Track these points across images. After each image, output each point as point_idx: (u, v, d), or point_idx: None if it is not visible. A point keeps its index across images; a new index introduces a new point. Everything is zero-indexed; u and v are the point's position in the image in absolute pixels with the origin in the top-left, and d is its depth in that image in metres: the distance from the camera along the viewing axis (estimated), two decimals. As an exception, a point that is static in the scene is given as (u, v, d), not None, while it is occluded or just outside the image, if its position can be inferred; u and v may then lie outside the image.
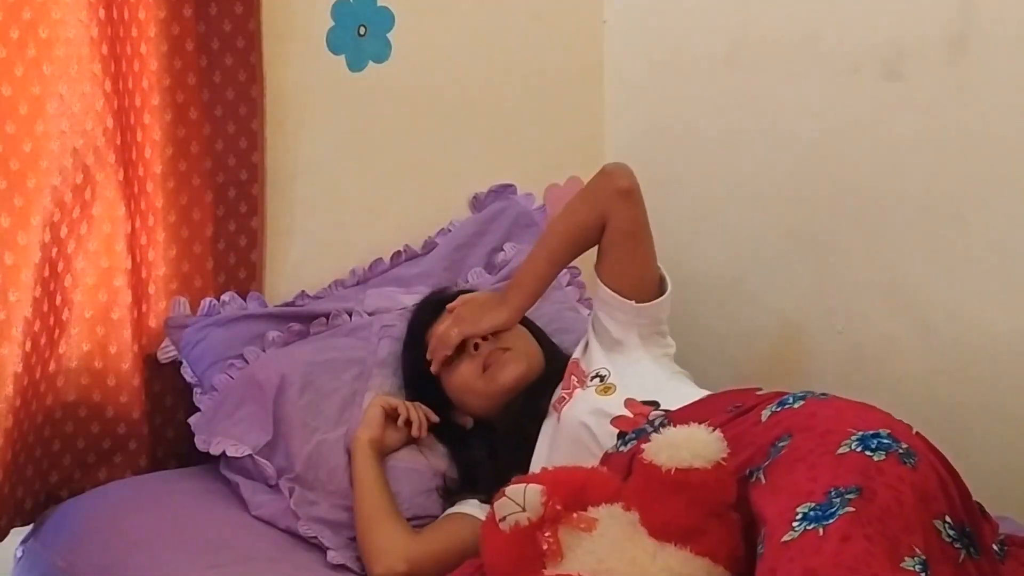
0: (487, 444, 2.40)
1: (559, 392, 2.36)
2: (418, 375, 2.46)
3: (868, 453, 1.74)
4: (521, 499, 1.86)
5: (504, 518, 1.87)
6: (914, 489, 1.71)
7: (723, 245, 2.88)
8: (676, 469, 1.79)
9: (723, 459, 1.80)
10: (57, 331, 2.42)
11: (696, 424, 1.86)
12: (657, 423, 2.14)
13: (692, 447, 1.80)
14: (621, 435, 2.18)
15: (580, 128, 3.07)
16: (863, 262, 2.64)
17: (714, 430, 1.85)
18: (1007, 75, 2.39)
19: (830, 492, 1.71)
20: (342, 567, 2.26)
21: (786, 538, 1.68)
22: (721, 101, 2.86)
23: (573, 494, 1.90)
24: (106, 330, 2.47)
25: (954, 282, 2.52)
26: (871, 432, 1.77)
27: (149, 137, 2.49)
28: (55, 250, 2.38)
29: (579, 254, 2.46)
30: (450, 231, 2.86)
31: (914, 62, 2.51)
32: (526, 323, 2.48)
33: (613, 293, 2.39)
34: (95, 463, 2.52)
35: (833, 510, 1.68)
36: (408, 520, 2.32)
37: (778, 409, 1.93)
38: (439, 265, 2.78)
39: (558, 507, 1.86)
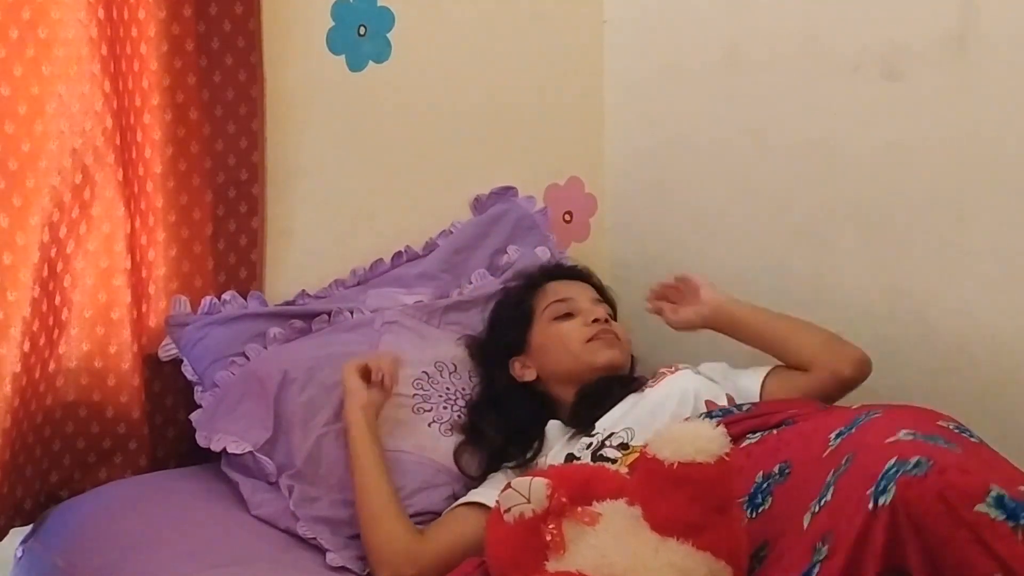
0: (536, 404, 2.46)
1: (649, 380, 2.42)
2: (514, 313, 2.54)
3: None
4: (526, 491, 1.86)
5: (509, 509, 1.86)
6: None
7: (722, 245, 2.88)
8: (679, 464, 1.78)
9: (726, 454, 1.80)
10: (56, 331, 2.42)
11: (704, 419, 1.87)
12: (745, 408, 2.22)
13: (695, 442, 1.80)
14: (709, 412, 2.24)
15: (580, 128, 3.06)
16: (863, 262, 2.64)
17: (718, 425, 1.85)
18: (1007, 75, 2.38)
19: (935, 434, 1.79)
20: (342, 569, 2.25)
21: (890, 440, 1.75)
22: (721, 101, 2.86)
23: (578, 488, 1.90)
24: (106, 330, 2.47)
25: (954, 282, 2.51)
26: None
27: (149, 137, 2.50)
28: (54, 250, 2.38)
29: (772, 345, 2.44)
30: (451, 232, 2.86)
31: (914, 62, 2.51)
32: None
33: (757, 390, 2.41)
34: (95, 463, 2.52)
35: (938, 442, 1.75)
36: (412, 516, 2.32)
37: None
38: (440, 266, 2.79)
39: (563, 500, 1.86)
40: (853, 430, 1.88)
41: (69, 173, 2.37)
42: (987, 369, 2.49)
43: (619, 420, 2.33)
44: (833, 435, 1.90)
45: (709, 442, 1.80)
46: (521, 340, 2.50)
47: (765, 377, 2.40)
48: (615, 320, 2.55)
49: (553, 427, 2.41)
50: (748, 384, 2.41)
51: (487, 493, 2.27)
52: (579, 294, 2.53)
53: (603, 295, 2.58)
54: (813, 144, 2.69)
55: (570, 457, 2.30)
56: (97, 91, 2.36)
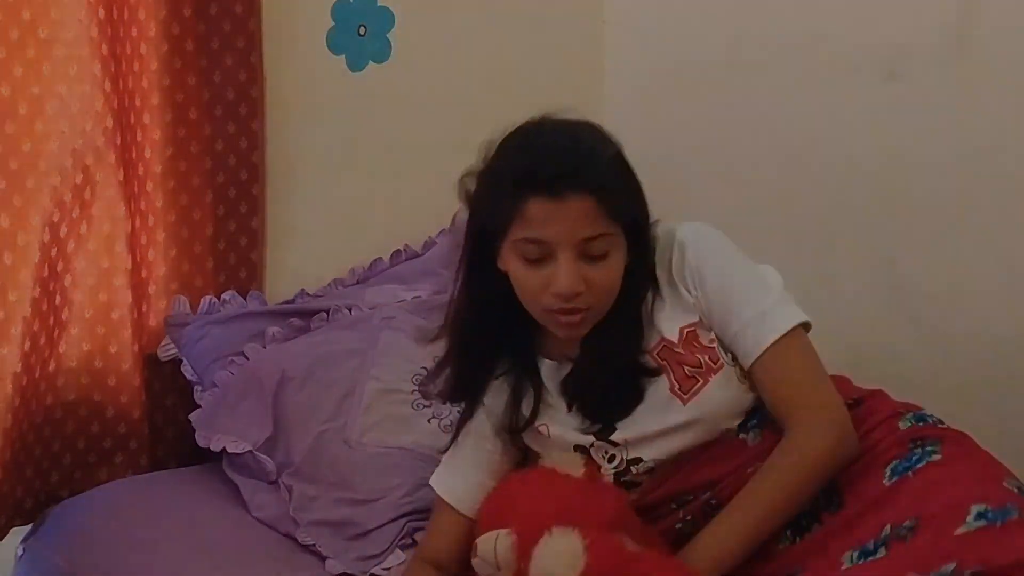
0: (523, 318, 1.98)
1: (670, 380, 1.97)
2: (488, 217, 1.94)
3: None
4: (493, 557, 1.84)
5: None
6: None
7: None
8: None
9: (585, 564, 1.77)
10: (57, 331, 2.42)
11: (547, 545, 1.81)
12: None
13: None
14: (743, 424, 1.98)
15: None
16: (863, 262, 2.64)
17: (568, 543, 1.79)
18: (1007, 75, 2.39)
19: (1006, 503, 1.71)
20: (343, 575, 2.24)
21: (960, 531, 1.67)
22: (721, 101, 2.86)
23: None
24: (106, 330, 2.47)
25: (954, 282, 2.52)
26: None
27: (149, 137, 2.50)
28: (55, 250, 2.38)
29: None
30: (451, 231, 2.86)
31: (914, 62, 2.51)
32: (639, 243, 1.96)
33: (739, 365, 1.99)
34: (95, 463, 2.53)
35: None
36: (412, 514, 2.32)
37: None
38: (439, 262, 2.79)
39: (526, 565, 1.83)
40: (911, 473, 1.82)
41: (70, 173, 2.37)
42: (987, 368, 2.49)
43: (644, 442, 1.98)
44: (888, 470, 1.85)
45: (570, 570, 1.76)
46: (500, 234, 1.93)
47: (751, 366, 1.97)
48: (612, 221, 1.89)
49: (548, 370, 2.04)
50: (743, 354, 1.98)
51: (446, 475, 2.13)
52: (561, 231, 1.86)
53: (603, 200, 1.87)
54: (813, 144, 2.69)
55: (580, 449, 2.02)
56: (97, 91, 2.36)
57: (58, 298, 2.41)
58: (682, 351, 1.96)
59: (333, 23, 2.70)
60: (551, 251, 1.87)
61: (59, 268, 2.40)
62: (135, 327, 2.49)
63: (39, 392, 2.41)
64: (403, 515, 2.33)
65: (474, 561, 1.88)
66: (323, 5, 2.69)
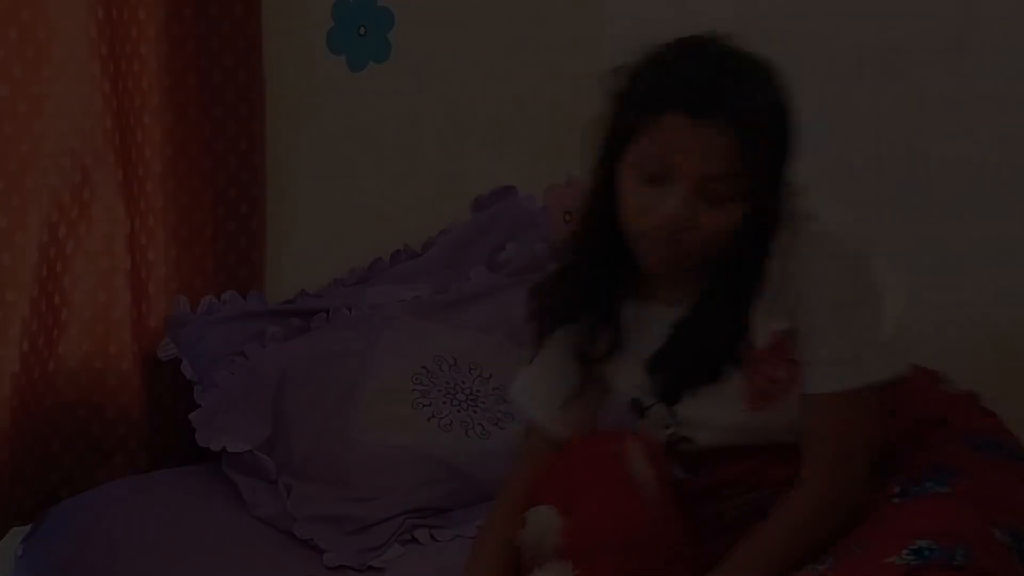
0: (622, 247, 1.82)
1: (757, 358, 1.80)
2: (624, 117, 1.79)
3: None
4: (536, 546, 1.87)
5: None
6: None
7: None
8: None
9: None
10: (56, 331, 2.42)
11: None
12: None
13: None
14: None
15: (580, 128, 3.06)
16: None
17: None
18: (1007, 75, 2.39)
19: (961, 542, 1.65)
20: (340, 567, 2.25)
21: (888, 559, 1.64)
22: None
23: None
24: (106, 330, 2.47)
25: (955, 282, 2.52)
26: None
27: (149, 137, 2.50)
28: (53, 250, 2.38)
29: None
30: (451, 232, 2.86)
31: (914, 62, 2.51)
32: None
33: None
34: (95, 463, 2.53)
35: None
36: (412, 512, 2.32)
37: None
38: (440, 262, 2.80)
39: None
40: (910, 499, 1.76)
41: (68, 173, 2.37)
42: (988, 369, 2.49)
43: (700, 428, 1.89)
44: (897, 490, 1.80)
45: None
46: (629, 139, 1.77)
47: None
48: (744, 170, 1.71)
49: (630, 311, 1.89)
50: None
51: (535, 392, 2.00)
52: (688, 157, 1.70)
53: (746, 142, 1.71)
54: (812, 144, 2.69)
55: (637, 406, 1.93)
56: (96, 91, 2.36)
57: (57, 298, 2.41)
58: (765, 359, 1.81)
59: (333, 23, 2.70)
60: (670, 175, 1.71)
61: (58, 268, 2.40)
62: (135, 327, 2.49)
63: (38, 393, 2.41)
64: (403, 513, 2.34)
65: (519, 532, 1.88)
66: (323, 5, 2.69)
